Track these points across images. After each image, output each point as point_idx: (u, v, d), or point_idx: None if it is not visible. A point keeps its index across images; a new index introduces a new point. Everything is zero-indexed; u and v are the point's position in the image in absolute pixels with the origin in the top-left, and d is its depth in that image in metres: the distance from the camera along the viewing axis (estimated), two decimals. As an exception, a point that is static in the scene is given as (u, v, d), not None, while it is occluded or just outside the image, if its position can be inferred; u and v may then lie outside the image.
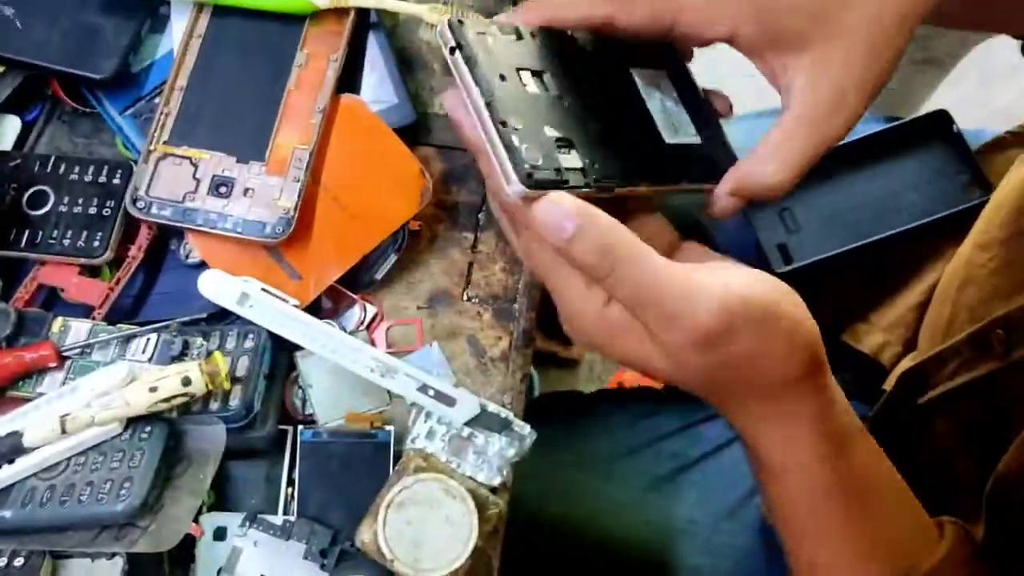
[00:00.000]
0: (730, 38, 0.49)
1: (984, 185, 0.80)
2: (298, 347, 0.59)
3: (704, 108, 0.55)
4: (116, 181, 0.61)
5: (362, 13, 0.64)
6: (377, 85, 0.65)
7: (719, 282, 0.43)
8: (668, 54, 0.55)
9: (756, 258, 0.83)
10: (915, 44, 0.96)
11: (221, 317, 0.59)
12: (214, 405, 0.55)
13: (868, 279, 0.83)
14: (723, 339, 0.43)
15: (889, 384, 0.73)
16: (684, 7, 0.48)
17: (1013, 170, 0.72)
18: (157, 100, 0.62)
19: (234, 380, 0.56)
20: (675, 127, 0.53)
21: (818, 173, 0.85)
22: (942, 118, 0.83)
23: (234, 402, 0.55)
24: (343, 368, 0.58)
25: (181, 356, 0.56)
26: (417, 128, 0.65)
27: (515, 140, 0.43)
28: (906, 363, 0.73)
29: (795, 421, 0.48)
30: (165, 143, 0.61)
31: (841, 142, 0.82)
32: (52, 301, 0.60)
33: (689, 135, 0.53)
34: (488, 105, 0.43)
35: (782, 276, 0.80)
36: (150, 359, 0.56)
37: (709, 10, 0.48)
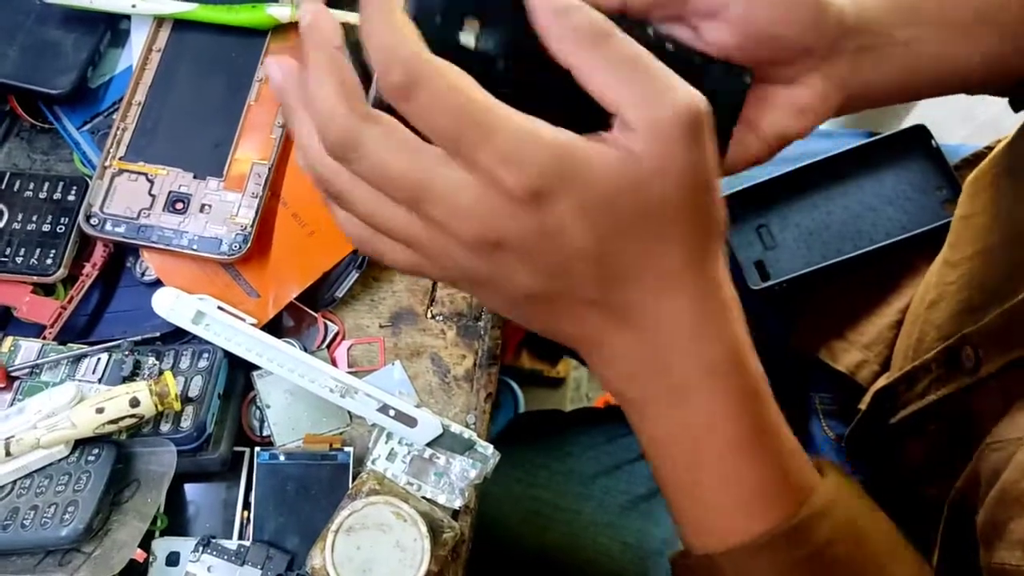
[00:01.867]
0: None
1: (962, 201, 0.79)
2: (256, 367, 0.58)
3: None
4: (71, 198, 0.60)
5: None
6: (340, 100, 0.63)
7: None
8: None
9: (733, 274, 0.82)
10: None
11: (177, 336, 0.58)
12: (165, 427, 0.54)
13: (846, 296, 0.82)
14: (684, 145, 0.38)
15: (864, 403, 0.72)
16: None
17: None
18: (115, 115, 0.61)
19: (187, 400, 0.54)
20: None
21: (795, 188, 0.85)
22: (921, 132, 0.82)
23: (186, 423, 0.54)
24: (302, 388, 0.57)
25: (132, 376, 0.55)
26: (381, 143, 0.64)
27: None
28: (880, 382, 0.71)
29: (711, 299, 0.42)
30: (121, 159, 0.60)
31: (819, 157, 0.82)
32: (5, 320, 0.59)
33: None
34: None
35: (759, 293, 0.80)
36: (100, 379, 0.55)
37: None
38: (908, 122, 0.85)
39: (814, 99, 0.50)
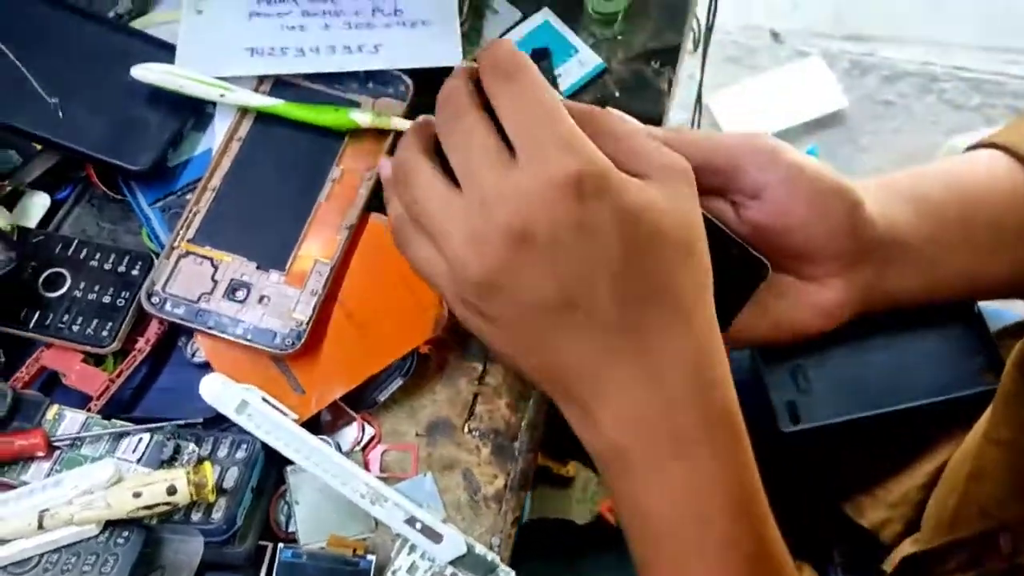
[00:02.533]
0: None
1: (1000, 372, 0.79)
2: (290, 461, 0.58)
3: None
4: (135, 272, 0.61)
5: (401, 135, 0.65)
6: (406, 207, 0.65)
7: None
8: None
9: (763, 415, 0.82)
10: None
11: (217, 422, 0.58)
12: (196, 516, 0.54)
13: (876, 451, 0.81)
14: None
15: (889, 566, 0.71)
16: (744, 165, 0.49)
17: None
18: (188, 196, 0.63)
19: (220, 492, 0.55)
20: None
21: (835, 334, 0.85)
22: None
23: (217, 515, 0.54)
24: (332, 489, 0.57)
25: (171, 460, 0.55)
26: (440, 253, 0.65)
27: None
28: (908, 547, 0.71)
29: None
30: (189, 241, 0.61)
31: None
32: (51, 384, 0.60)
33: None
34: None
35: (789, 436, 0.80)
36: (139, 459, 0.55)
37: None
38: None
39: (833, 302, 0.50)
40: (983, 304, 0.83)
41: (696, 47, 1.01)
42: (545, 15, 0.72)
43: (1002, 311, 0.87)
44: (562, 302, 0.41)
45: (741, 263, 0.48)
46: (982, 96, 1.86)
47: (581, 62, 0.71)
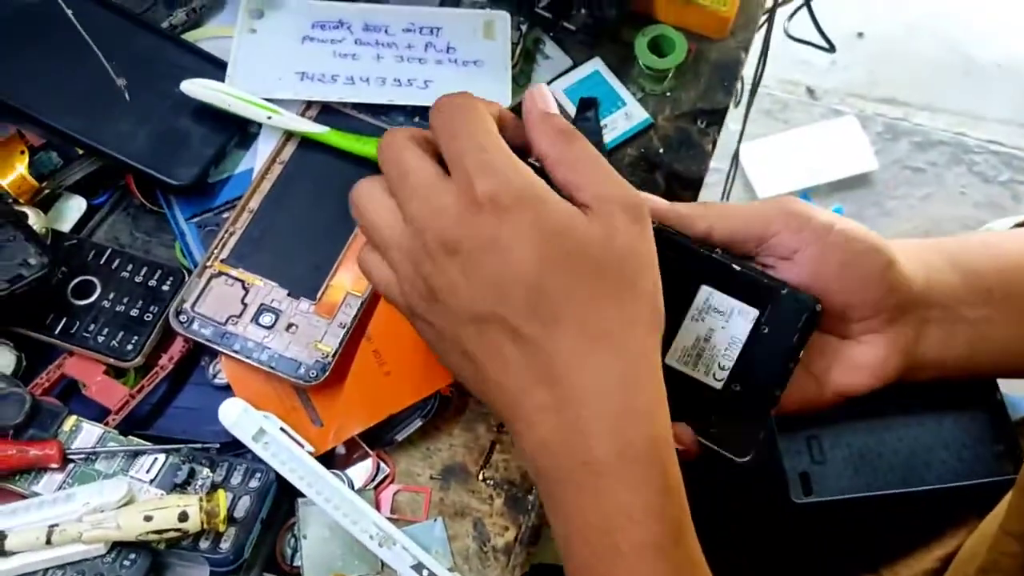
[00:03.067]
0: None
1: (1018, 461, 0.78)
2: (301, 493, 0.57)
3: (762, 374, 0.51)
4: (165, 287, 0.60)
5: (443, 173, 0.65)
6: (441, 246, 0.64)
7: None
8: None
9: (776, 484, 0.81)
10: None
11: (232, 447, 0.58)
12: (204, 543, 0.53)
13: (886, 530, 0.80)
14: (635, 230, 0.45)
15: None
16: (775, 231, 0.50)
17: None
18: (225, 215, 0.63)
19: (231, 521, 0.54)
20: (706, 364, 0.52)
21: (854, 407, 0.84)
22: (985, 382, 0.82)
23: (225, 544, 0.53)
24: (341, 526, 0.57)
25: (185, 484, 0.55)
26: (471, 295, 0.65)
27: None
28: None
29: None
30: (223, 261, 0.60)
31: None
32: (69, 392, 0.59)
33: (713, 379, 0.52)
34: None
35: (800, 507, 0.79)
36: (153, 480, 0.55)
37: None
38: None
39: (874, 360, 0.51)
40: (1005, 391, 0.82)
41: (738, 104, 1.01)
42: (596, 65, 0.72)
43: (1021, 400, 0.86)
44: (483, 313, 0.43)
45: (791, 300, 0.50)
46: (1012, 172, 1.86)
47: (628, 115, 0.70)
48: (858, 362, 0.51)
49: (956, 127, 1.89)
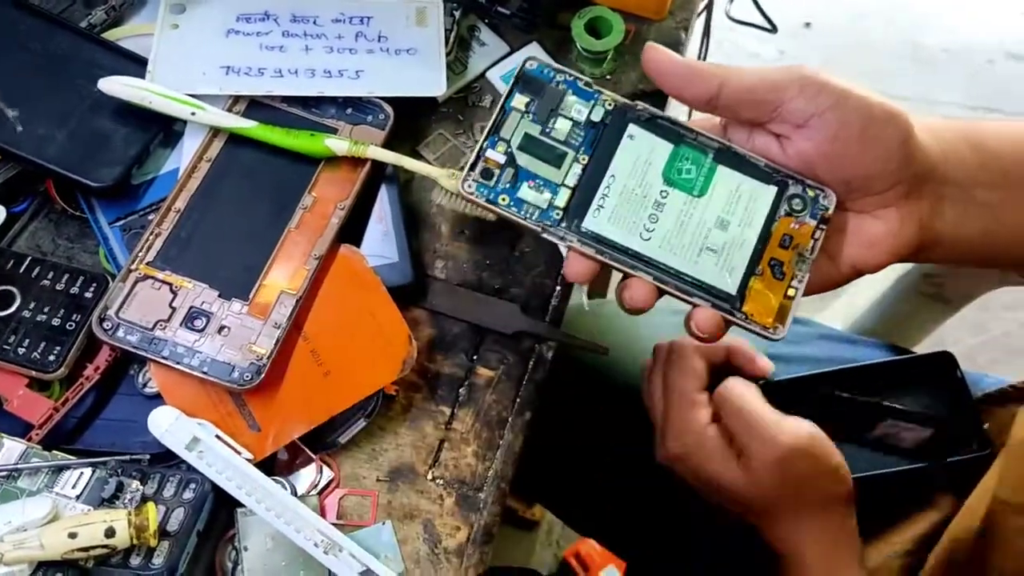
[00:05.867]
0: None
1: (982, 437, 0.77)
2: (241, 503, 0.55)
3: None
4: (88, 295, 0.58)
5: (378, 165, 0.63)
6: (380, 240, 0.62)
7: (791, 418, 0.58)
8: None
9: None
10: (927, 281, 0.95)
11: (165, 458, 0.55)
12: (136, 560, 0.50)
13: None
14: (794, 460, 0.56)
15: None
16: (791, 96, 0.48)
17: None
18: (151, 217, 0.60)
19: (163, 534, 0.51)
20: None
21: (811, 398, 0.83)
22: (946, 360, 0.81)
23: (158, 560, 0.50)
24: (284, 536, 0.54)
25: (113, 498, 0.52)
26: (412, 289, 0.62)
27: None
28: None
29: (837, 530, 0.60)
30: (148, 264, 0.58)
31: (840, 367, 0.80)
32: (-9, 408, 0.56)
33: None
34: None
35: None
36: (79, 496, 0.52)
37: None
38: (925, 340, 0.84)
39: (888, 235, 0.50)
40: (956, 348, 0.81)
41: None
42: (533, 50, 0.70)
43: (981, 377, 0.85)
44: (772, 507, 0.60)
45: (805, 194, 0.50)
46: (963, 155, 1.87)
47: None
48: (872, 237, 0.50)
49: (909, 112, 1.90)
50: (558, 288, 0.65)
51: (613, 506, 0.89)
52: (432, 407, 0.61)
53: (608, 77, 0.70)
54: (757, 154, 0.50)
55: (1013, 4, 2.04)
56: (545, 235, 0.49)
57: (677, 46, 0.73)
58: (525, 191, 0.49)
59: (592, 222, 0.49)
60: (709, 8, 0.84)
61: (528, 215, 0.49)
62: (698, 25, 0.90)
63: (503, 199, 0.49)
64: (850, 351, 0.89)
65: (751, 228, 0.50)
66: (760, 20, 0.89)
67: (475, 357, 0.62)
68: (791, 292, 0.49)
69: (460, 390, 0.62)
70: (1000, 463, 0.68)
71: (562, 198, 0.49)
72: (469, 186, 0.50)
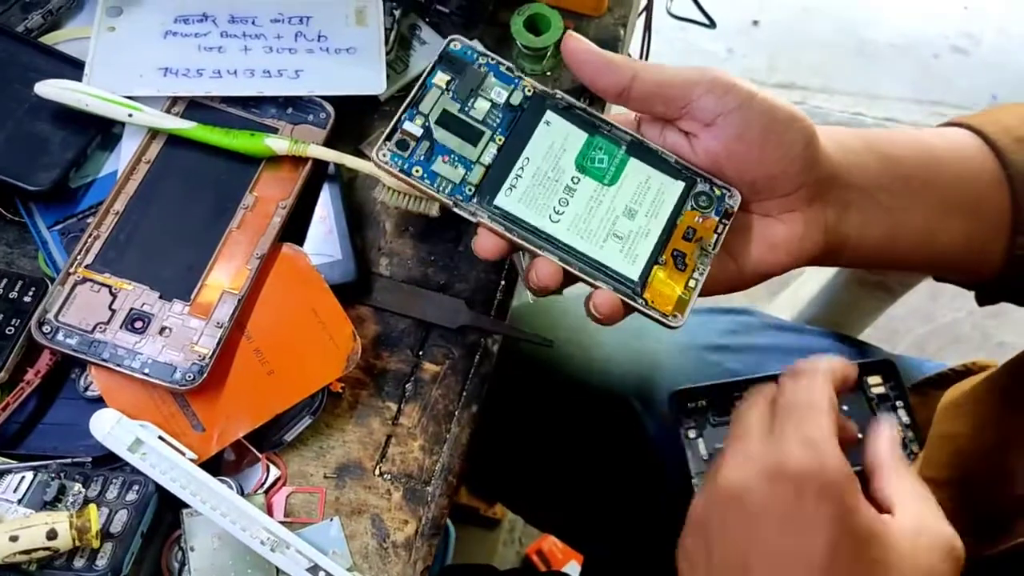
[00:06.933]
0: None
1: (920, 437, 0.78)
2: (186, 504, 0.55)
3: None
4: (27, 299, 0.57)
5: (319, 163, 0.63)
6: (323, 238, 0.62)
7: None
8: None
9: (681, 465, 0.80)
10: (869, 271, 0.97)
11: (108, 461, 0.55)
12: (79, 562, 0.50)
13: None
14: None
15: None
16: (699, 94, 0.49)
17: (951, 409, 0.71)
18: (90, 220, 0.60)
19: (107, 536, 0.51)
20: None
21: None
22: (888, 368, 0.82)
23: (102, 561, 0.50)
24: (231, 535, 0.54)
25: (55, 501, 0.52)
26: (357, 287, 0.63)
27: None
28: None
29: None
30: (87, 267, 0.57)
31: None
32: (-70, 417, 0.56)
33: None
34: None
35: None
36: (20, 500, 0.52)
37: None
38: (877, 323, 0.85)
39: (792, 238, 0.51)
40: (905, 337, 0.82)
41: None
42: (474, 48, 0.71)
43: (922, 362, 0.87)
44: (743, 569, 0.44)
45: (710, 193, 0.51)
46: (910, 147, 1.90)
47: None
48: (776, 240, 0.51)
49: (853, 107, 1.93)
50: (503, 283, 0.66)
51: (565, 500, 0.90)
52: (379, 403, 0.61)
53: (548, 74, 0.71)
54: (668, 150, 0.51)
55: (956, -1, 2.09)
56: (456, 209, 0.50)
57: (616, 42, 0.74)
58: (439, 165, 0.50)
59: (503, 200, 0.50)
60: (649, 5, 0.85)
61: (441, 188, 0.50)
62: (641, 22, 0.91)
63: (416, 171, 0.50)
64: (796, 340, 0.90)
65: (657, 219, 0.51)
66: (700, 17, 0.91)
67: (421, 352, 0.63)
68: (691, 284, 0.50)
69: (406, 385, 0.62)
70: (926, 446, 0.69)
71: (476, 175, 0.50)
72: (383, 155, 0.50)
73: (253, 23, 0.66)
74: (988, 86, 1.97)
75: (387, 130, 0.50)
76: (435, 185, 0.50)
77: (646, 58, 0.94)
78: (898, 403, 0.79)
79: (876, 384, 0.81)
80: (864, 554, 0.42)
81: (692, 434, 0.78)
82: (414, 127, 0.50)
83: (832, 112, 1.92)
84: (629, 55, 0.93)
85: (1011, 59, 2.01)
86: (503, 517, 1.52)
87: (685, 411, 0.73)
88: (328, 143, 0.63)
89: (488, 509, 1.49)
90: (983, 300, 0.62)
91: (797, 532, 0.42)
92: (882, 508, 0.45)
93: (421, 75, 0.51)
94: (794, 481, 0.42)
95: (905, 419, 0.78)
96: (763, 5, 2.03)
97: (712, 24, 0.89)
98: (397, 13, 0.69)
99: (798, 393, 0.46)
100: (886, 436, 0.49)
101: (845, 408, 0.80)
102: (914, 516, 0.45)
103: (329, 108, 0.64)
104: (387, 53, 0.67)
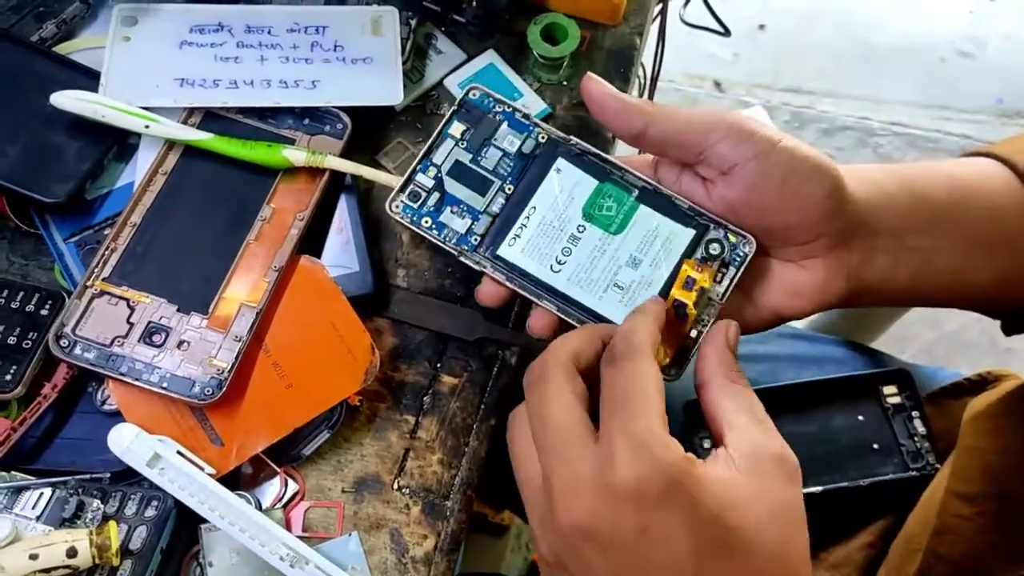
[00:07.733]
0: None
1: (936, 447, 0.77)
2: (204, 519, 0.54)
3: None
4: (44, 312, 0.57)
5: (336, 175, 0.63)
6: (340, 250, 0.62)
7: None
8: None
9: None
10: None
11: (126, 476, 0.54)
12: (98, 580, 0.50)
13: (814, 518, 0.80)
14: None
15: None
16: (715, 141, 0.48)
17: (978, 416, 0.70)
18: (106, 232, 0.59)
19: (126, 553, 0.51)
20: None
21: (768, 407, 0.83)
22: (904, 378, 0.81)
23: (121, 579, 0.50)
24: (250, 550, 0.54)
25: (74, 518, 0.51)
26: (375, 299, 0.62)
27: None
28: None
29: None
30: (104, 280, 0.57)
31: (792, 382, 0.80)
32: (-54, 431, 0.55)
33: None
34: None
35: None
36: (39, 517, 0.51)
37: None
38: (894, 335, 0.84)
39: (812, 284, 0.50)
40: (912, 345, 0.81)
41: (641, 95, 1.00)
42: (490, 58, 0.70)
43: (940, 371, 0.87)
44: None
45: (725, 240, 0.50)
46: (917, 152, 1.90)
47: (526, 106, 0.69)
48: (797, 287, 0.50)
49: (860, 112, 1.93)
50: (520, 294, 0.65)
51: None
52: (396, 416, 0.61)
53: (565, 83, 0.71)
54: (683, 196, 0.51)
55: (962, 3, 2.08)
56: (462, 259, 0.51)
57: (632, 51, 0.73)
58: (448, 215, 0.51)
59: (506, 251, 0.51)
60: (663, 13, 0.85)
61: (447, 239, 0.51)
62: (654, 30, 0.91)
63: (426, 221, 0.52)
64: (809, 348, 0.90)
65: (661, 268, 0.50)
66: (714, 24, 0.90)
67: (439, 365, 0.62)
68: (693, 334, 0.50)
69: (424, 398, 0.62)
70: (953, 459, 0.69)
71: (482, 225, 0.51)
72: (396, 206, 0.52)
73: (269, 33, 0.66)
74: (994, 90, 1.97)
75: (402, 182, 0.51)
76: (442, 236, 0.51)
77: (659, 65, 0.94)
78: (914, 413, 0.79)
79: (892, 394, 0.81)
80: (724, 535, 0.40)
81: (706, 444, 0.78)
82: (427, 179, 0.52)
83: (839, 116, 1.92)
84: (643, 67, 0.93)
85: (1016, 63, 2.01)
86: (511, 524, 1.51)
87: (699, 421, 0.72)
88: (345, 154, 0.63)
89: (496, 515, 1.48)
90: (1010, 330, 0.61)
91: (656, 546, 0.40)
92: (714, 430, 0.44)
93: (438, 126, 0.53)
94: (633, 496, 0.39)
95: (921, 429, 0.78)
96: (769, 10, 2.02)
97: (727, 32, 0.89)
98: (413, 23, 0.69)
99: (623, 386, 0.42)
100: (716, 344, 0.46)
101: (861, 418, 0.81)
102: (744, 441, 0.42)
103: (346, 119, 0.64)
104: (403, 63, 0.67)
